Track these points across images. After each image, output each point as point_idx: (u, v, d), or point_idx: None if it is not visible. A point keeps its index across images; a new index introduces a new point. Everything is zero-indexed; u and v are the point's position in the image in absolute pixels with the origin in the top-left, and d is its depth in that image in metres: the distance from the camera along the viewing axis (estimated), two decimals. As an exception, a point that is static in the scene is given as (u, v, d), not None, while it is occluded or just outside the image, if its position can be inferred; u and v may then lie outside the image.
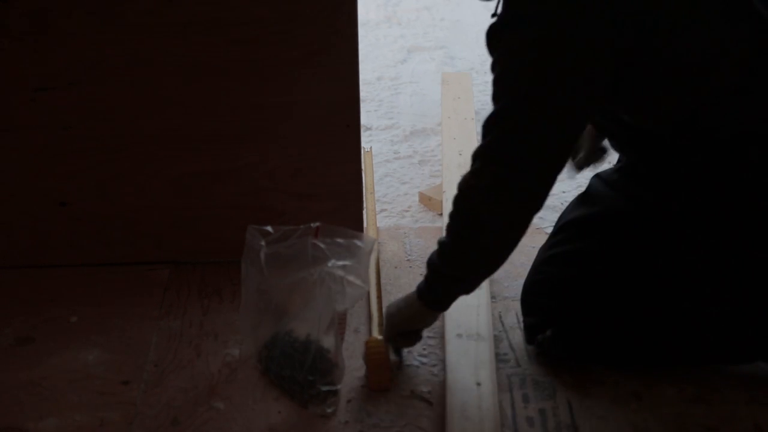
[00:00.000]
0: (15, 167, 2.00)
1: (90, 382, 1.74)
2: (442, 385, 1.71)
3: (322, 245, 1.66)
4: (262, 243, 1.68)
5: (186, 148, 2.00)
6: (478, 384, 1.67)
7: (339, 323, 1.67)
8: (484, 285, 1.89)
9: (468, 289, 1.66)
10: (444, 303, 1.68)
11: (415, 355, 1.80)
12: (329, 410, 1.64)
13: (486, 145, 1.51)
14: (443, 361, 1.76)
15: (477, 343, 1.77)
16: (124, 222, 2.06)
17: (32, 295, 2.00)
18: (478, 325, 1.82)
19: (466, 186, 1.55)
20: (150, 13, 1.87)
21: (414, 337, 1.75)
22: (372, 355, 1.69)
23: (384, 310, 1.77)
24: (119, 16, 1.87)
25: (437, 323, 1.87)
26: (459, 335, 1.79)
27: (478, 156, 1.53)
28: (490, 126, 1.50)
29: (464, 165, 2.39)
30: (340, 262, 1.64)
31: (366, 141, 2.69)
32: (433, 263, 1.65)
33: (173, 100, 1.95)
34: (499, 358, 1.78)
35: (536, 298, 1.79)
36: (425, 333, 1.85)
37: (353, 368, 1.73)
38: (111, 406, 1.68)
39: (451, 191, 2.26)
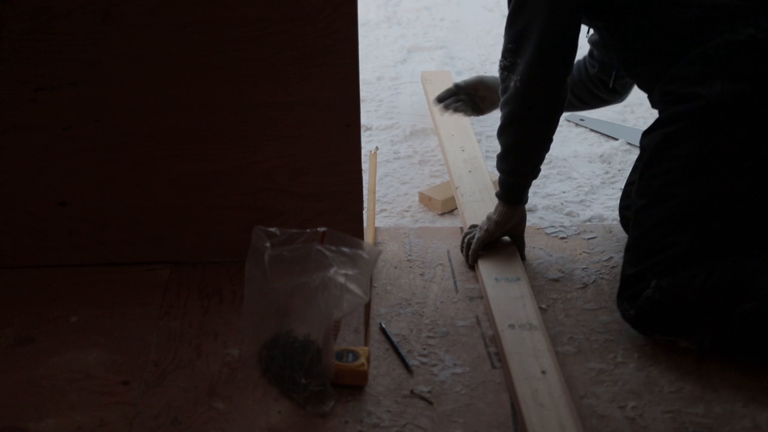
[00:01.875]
0: (15, 167, 2.00)
1: (90, 382, 1.74)
2: (441, 385, 1.72)
3: (326, 252, 1.66)
4: (267, 245, 1.68)
5: (186, 148, 2.00)
6: (544, 372, 1.68)
7: (333, 327, 1.67)
8: (524, 277, 1.95)
9: (532, 167, 1.96)
10: (520, 191, 1.98)
11: (415, 354, 1.80)
12: (327, 410, 1.64)
13: (513, 39, 1.86)
14: (498, 353, 1.78)
15: (530, 332, 1.79)
16: (124, 222, 2.06)
17: (32, 295, 2.00)
18: (527, 315, 1.84)
19: (505, 78, 1.90)
20: (150, 13, 1.87)
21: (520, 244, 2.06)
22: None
23: (479, 228, 2.04)
24: (119, 16, 1.87)
25: (448, 319, 1.88)
26: (511, 326, 1.81)
27: (508, 52, 1.88)
28: (511, 22, 1.87)
29: (469, 160, 2.42)
30: (343, 271, 1.64)
31: (366, 141, 2.69)
32: (498, 159, 1.98)
33: (173, 100, 1.95)
34: (498, 358, 1.78)
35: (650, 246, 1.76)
36: (425, 333, 1.86)
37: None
38: (111, 406, 1.68)
39: (462, 186, 2.31)
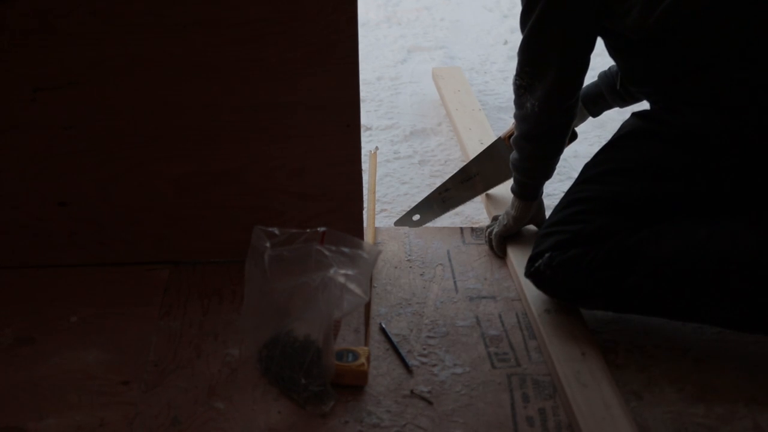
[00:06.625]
0: (15, 167, 2.00)
1: (90, 382, 1.74)
2: (441, 385, 1.72)
3: (326, 252, 1.66)
4: (267, 245, 1.68)
5: (186, 148, 2.00)
6: (583, 354, 1.73)
7: (333, 327, 1.67)
8: None
9: (546, 170, 2.01)
10: (535, 190, 2.05)
11: (415, 354, 1.80)
12: (326, 410, 1.64)
13: (530, 62, 1.88)
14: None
15: (567, 316, 1.84)
16: (124, 222, 2.06)
17: (32, 295, 2.00)
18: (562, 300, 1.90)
19: (522, 95, 1.92)
20: (150, 13, 1.87)
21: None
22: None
23: (498, 222, 2.12)
24: (119, 16, 1.87)
25: (448, 319, 1.88)
26: (547, 311, 1.86)
27: (525, 74, 1.89)
28: (529, 44, 1.88)
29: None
30: (343, 271, 1.64)
31: (366, 141, 2.69)
32: (513, 160, 2.02)
33: (173, 100, 1.95)
34: (498, 358, 1.79)
35: (555, 230, 1.85)
36: (425, 333, 1.86)
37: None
38: (111, 406, 1.68)
39: None
